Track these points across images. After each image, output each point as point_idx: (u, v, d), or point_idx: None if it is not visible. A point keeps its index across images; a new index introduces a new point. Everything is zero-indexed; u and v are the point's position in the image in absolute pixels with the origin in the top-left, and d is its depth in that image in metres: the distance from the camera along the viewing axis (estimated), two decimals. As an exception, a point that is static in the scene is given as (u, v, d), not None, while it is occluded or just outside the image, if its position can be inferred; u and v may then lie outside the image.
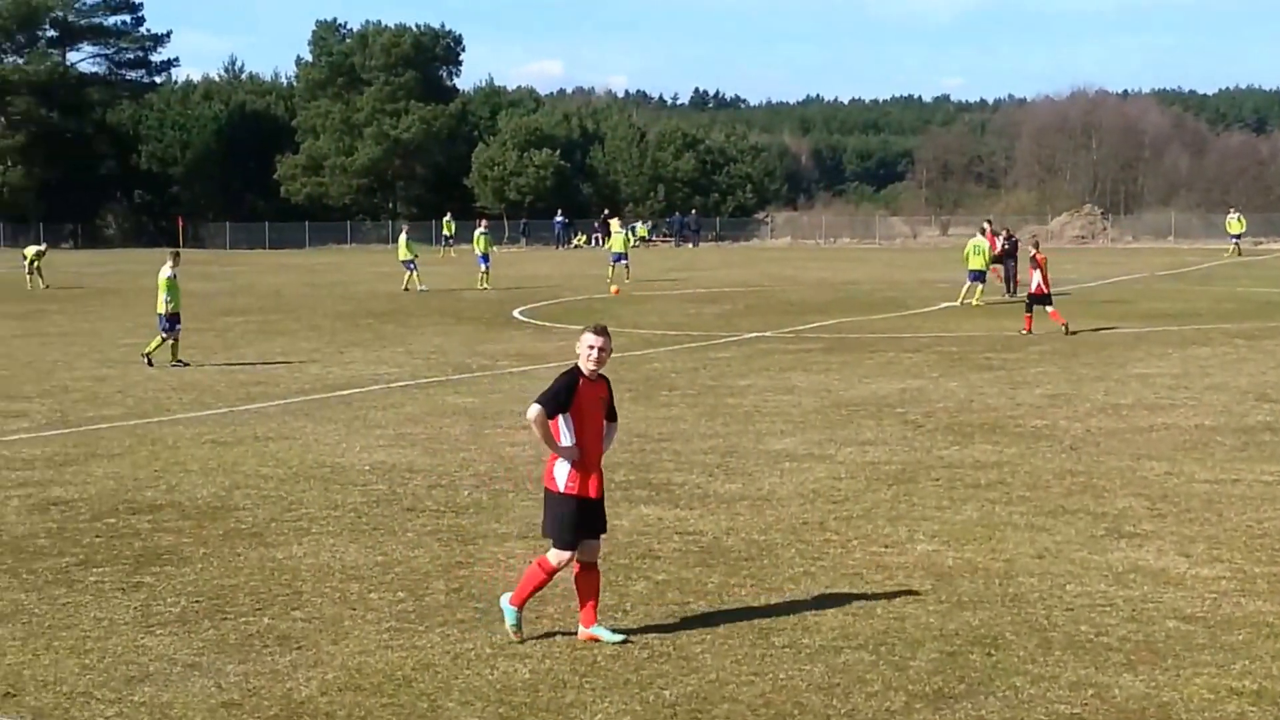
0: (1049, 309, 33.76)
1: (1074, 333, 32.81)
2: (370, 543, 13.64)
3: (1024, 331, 33.40)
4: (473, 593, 11.87)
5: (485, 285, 52.25)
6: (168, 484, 16.61)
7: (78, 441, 19.68)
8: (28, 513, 15.14)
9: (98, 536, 14.04)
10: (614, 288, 51.28)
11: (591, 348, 10.84)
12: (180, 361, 28.44)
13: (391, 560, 12.97)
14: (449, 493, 15.95)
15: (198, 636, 10.79)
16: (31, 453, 18.77)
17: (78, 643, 10.68)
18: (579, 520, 10.51)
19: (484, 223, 59.37)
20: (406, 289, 51.47)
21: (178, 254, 30.82)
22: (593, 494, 10.59)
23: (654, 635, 10.71)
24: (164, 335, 28.55)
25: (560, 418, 10.63)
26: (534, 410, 10.53)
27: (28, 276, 56.63)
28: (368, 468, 17.46)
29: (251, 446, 19.13)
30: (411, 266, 51.90)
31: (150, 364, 28.25)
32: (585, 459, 10.59)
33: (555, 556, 10.59)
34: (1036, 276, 34.07)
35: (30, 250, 58.95)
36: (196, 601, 11.70)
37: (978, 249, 44.00)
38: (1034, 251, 34.74)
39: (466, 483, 16.50)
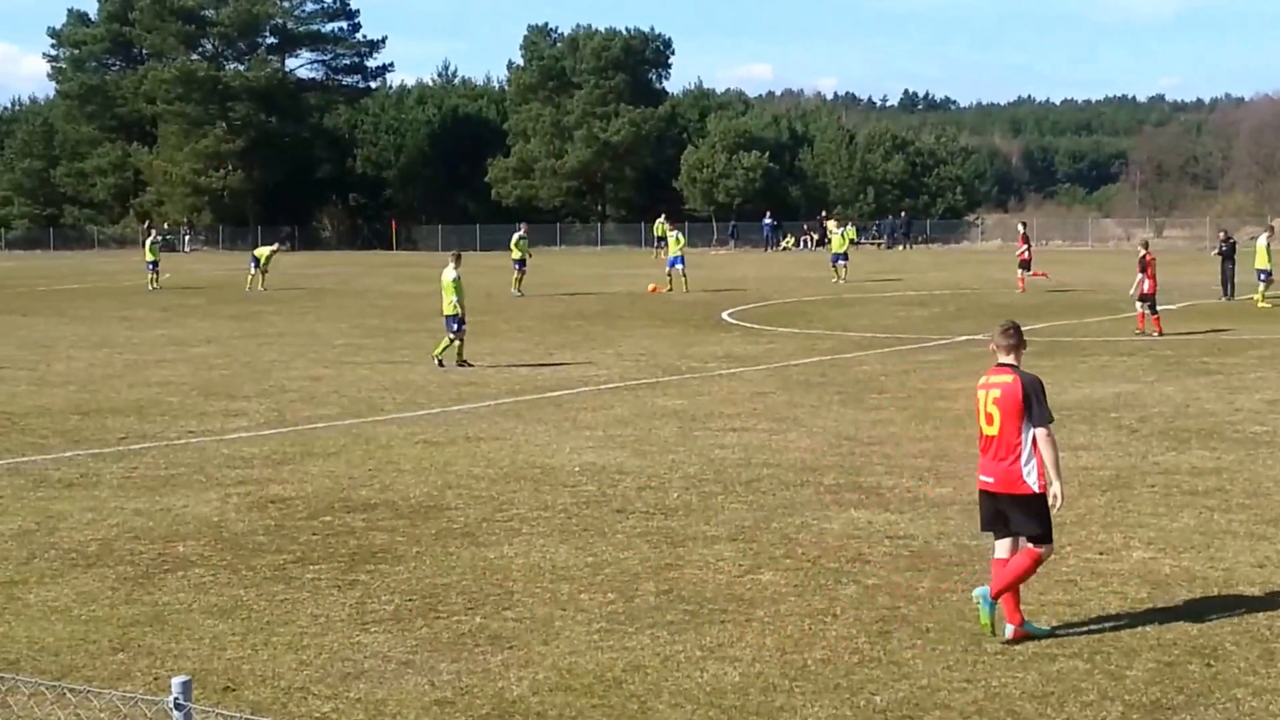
0: (1150, 313, 33.54)
1: (1164, 335, 32.79)
2: (580, 543, 13.70)
3: (1139, 331, 33.45)
4: (682, 595, 11.85)
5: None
6: (381, 483, 16.85)
7: (294, 440, 20.06)
8: (247, 510, 15.46)
9: (314, 534, 14.29)
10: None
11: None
12: (465, 362, 28.62)
13: (601, 561, 13.01)
14: (658, 494, 15.97)
15: (411, 634, 10.92)
16: (250, 451, 19.17)
17: (295, 639, 10.86)
18: None
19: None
20: (517, 291, 50.83)
21: (459, 255, 30.66)
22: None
23: (864, 640, 10.61)
24: (451, 336, 28.80)
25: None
26: (1048, 431, 10.64)
27: (257, 275, 56.97)
28: (577, 469, 17.55)
29: (463, 447, 19.34)
30: (521, 267, 51.62)
31: (440, 365, 28.43)
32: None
33: (1047, 551, 10.79)
34: (1142, 277, 33.62)
35: (264, 250, 59.57)
36: (410, 600, 11.84)
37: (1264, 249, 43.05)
38: (1144, 253, 34.19)
39: (676, 485, 16.50)
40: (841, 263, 56.73)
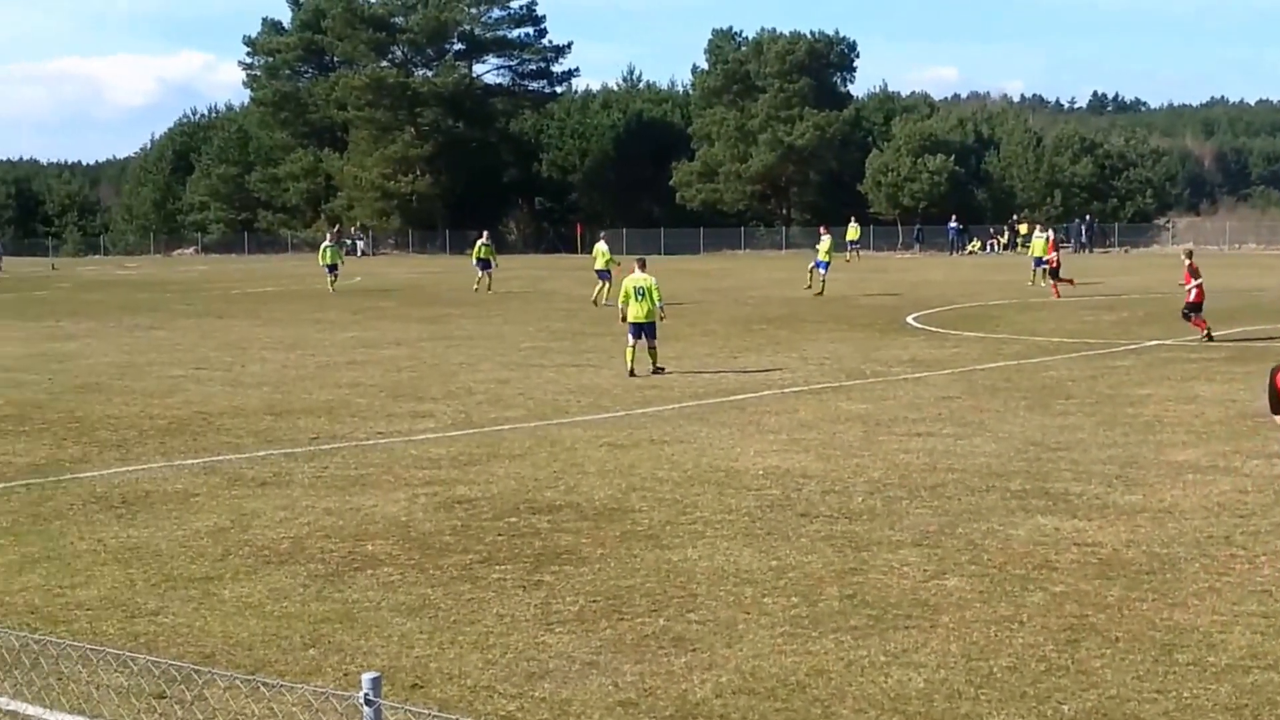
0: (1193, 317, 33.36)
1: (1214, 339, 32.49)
2: (764, 547, 13.69)
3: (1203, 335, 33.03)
4: (866, 599, 11.80)
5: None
6: (566, 485, 16.98)
7: (481, 442, 20.28)
8: (434, 510, 15.67)
9: (500, 535, 14.43)
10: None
11: None
12: (659, 369, 28.25)
13: (785, 565, 12.99)
14: (842, 498, 15.91)
15: (595, 635, 10.99)
16: (438, 452, 19.42)
17: (481, 638, 10.99)
18: None
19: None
20: (595, 303, 48.25)
21: (643, 261, 29.97)
22: None
23: (1051, 648, 10.47)
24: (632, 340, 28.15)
25: None
26: None
27: (484, 277, 56.13)
28: (761, 472, 17.53)
29: (647, 449, 19.41)
30: (606, 277, 48.19)
31: (662, 371, 27.98)
32: None
33: None
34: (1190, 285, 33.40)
35: (481, 248, 58.35)
36: (594, 601, 11.92)
37: None
38: (1188, 261, 33.88)
39: (860, 489, 16.42)
40: (1041, 268, 56.40)
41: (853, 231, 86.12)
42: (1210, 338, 32.68)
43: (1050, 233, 55.45)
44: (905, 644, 10.62)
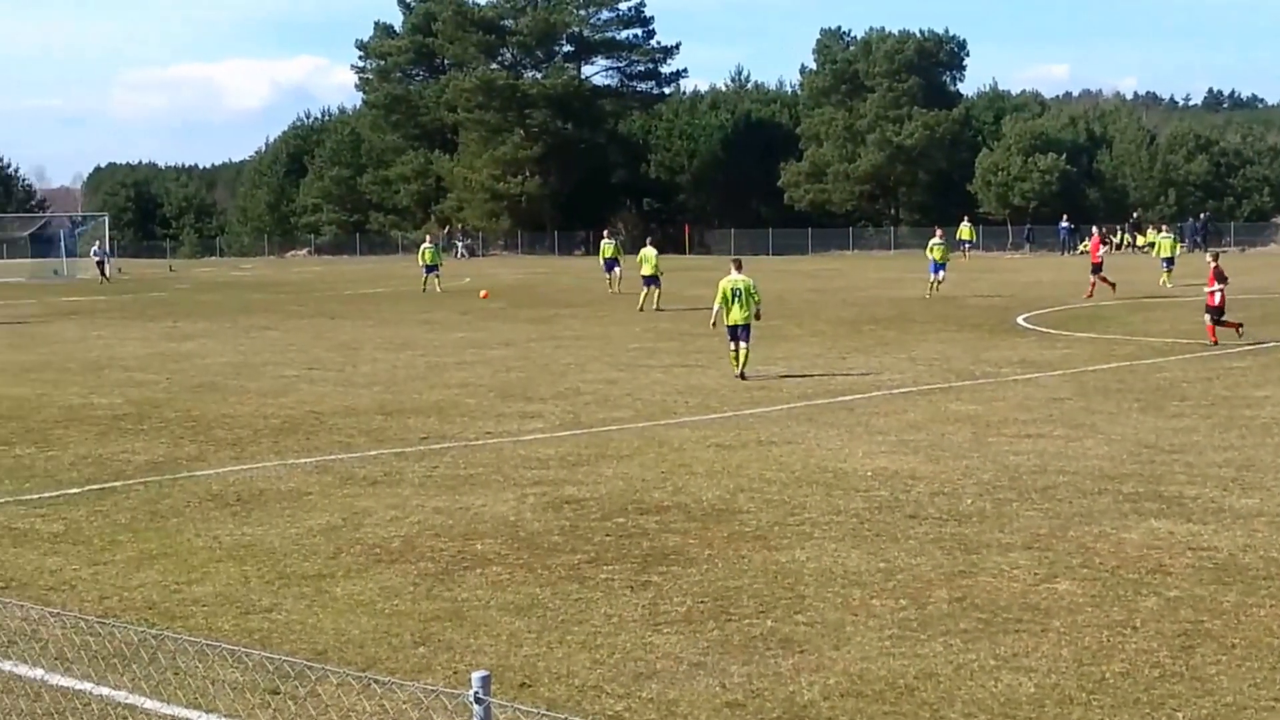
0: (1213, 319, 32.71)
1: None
2: (872, 549, 13.64)
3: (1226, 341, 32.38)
4: (976, 603, 11.73)
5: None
6: (674, 485, 17.00)
7: (589, 442, 20.35)
8: (542, 510, 15.74)
9: (608, 535, 14.48)
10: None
11: None
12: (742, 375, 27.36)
13: (893, 567, 12.94)
14: (951, 500, 15.82)
15: (703, 636, 11.00)
16: (546, 452, 19.51)
17: (589, 638, 11.03)
18: None
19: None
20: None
21: (739, 261, 29.32)
22: None
23: (1165, 654, 10.37)
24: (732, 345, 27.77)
25: None
26: None
27: (613, 278, 55.33)
28: (869, 473, 17.47)
29: (755, 450, 19.40)
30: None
31: (744, 378, 27.17)
32: None
33: None
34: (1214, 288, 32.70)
35: (608, 247, 57.44)
36: (702, 602, 11.93)
37: None
38: (1213, 264, 33.27)
39: (969, 491, 16.33)
40: (1168, 268, 55.91)
41: (965, 231, 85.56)
42: (1216, 341, 32.19)
43: (1097, 230, 53.91)
44: (1015, 648, 10.56)
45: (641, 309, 45.66)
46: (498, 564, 13.33)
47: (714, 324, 28.58)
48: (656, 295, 46.62)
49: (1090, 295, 48.02)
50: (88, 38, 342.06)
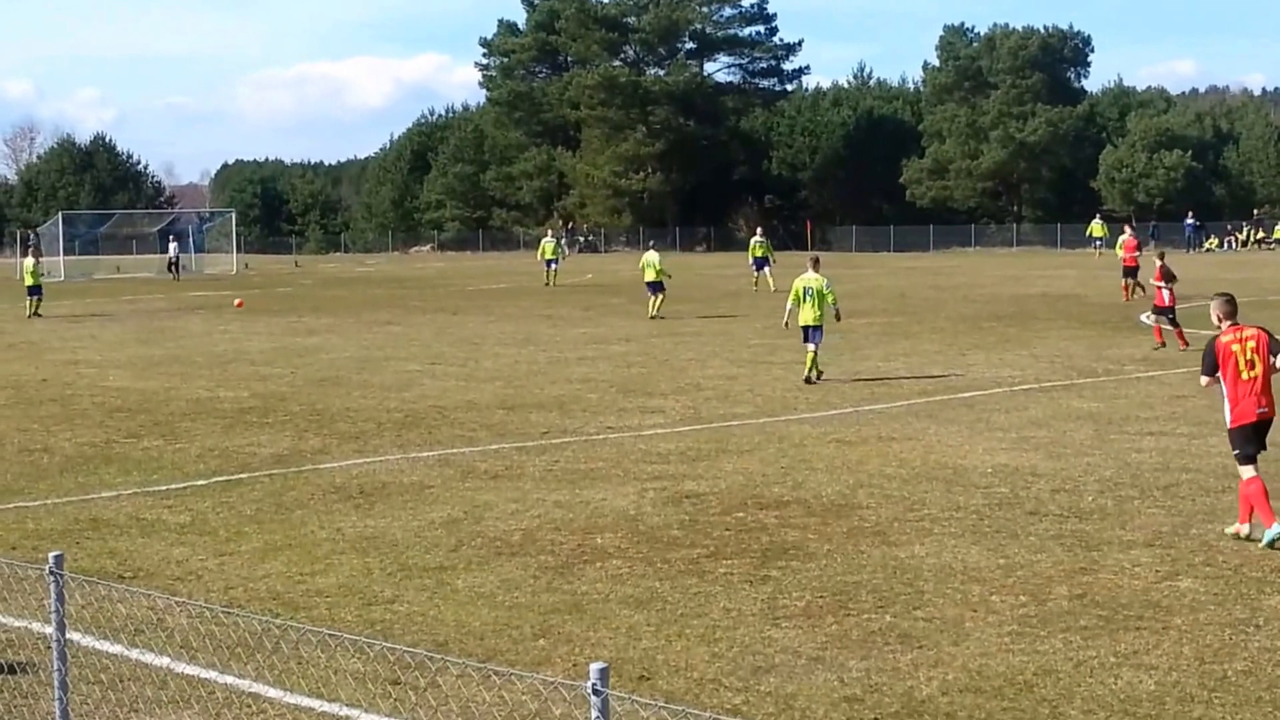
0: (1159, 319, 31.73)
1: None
2: (992, 545, 13.58)
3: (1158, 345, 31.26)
4: (1096, 600, 11.65)
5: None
6: (794, 481, 17.00)
7: (709, 438, 20.38)
8: (663, 504, 15.80)
9: (727, 530, 14.52)
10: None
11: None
12: (810, 378, 26.37)
13: (1013, 564, 12.88)
14: (1072, 497, 15.71)
15: (821, 631, 11.01)
16: (666, 447, 19.57)
17: (707, 631, 11.08)
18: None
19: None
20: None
21: (817, 259, 28.68)
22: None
23: (1289, 653, 10.25)
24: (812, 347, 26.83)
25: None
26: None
27: (763, 276, 54.55)
28: (989, 470, 17.38)
29: (875, 446, 19.35)
30: (657, 289, 43.88)
31: (812, 381, 26.16)
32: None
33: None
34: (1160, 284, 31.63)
35: (757, 244, 57.12)
36: (820, 597, 11.94)
37: None
38: (1159, 262, 32.57)
39: (1090, 488, 16.20)
40: None
41: (1097, 228, 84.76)
42: (1162, 346, 31.03)
43: (1128, 232, 49.62)
44: (1136, 645, 10.48)
45: (653, 317, 42.61)
46: (617, 558, 13.40)
47: (785, 324, 27.80)
48: (660, 301, 43.51)
49: (1128, 299, 45.24)
50: (217, 37, 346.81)
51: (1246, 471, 13.53)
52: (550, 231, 71.66)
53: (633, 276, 69.91)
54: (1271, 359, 13.66)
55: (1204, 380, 14.39)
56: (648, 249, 47.37)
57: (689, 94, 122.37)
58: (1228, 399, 13.91)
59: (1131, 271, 46.21)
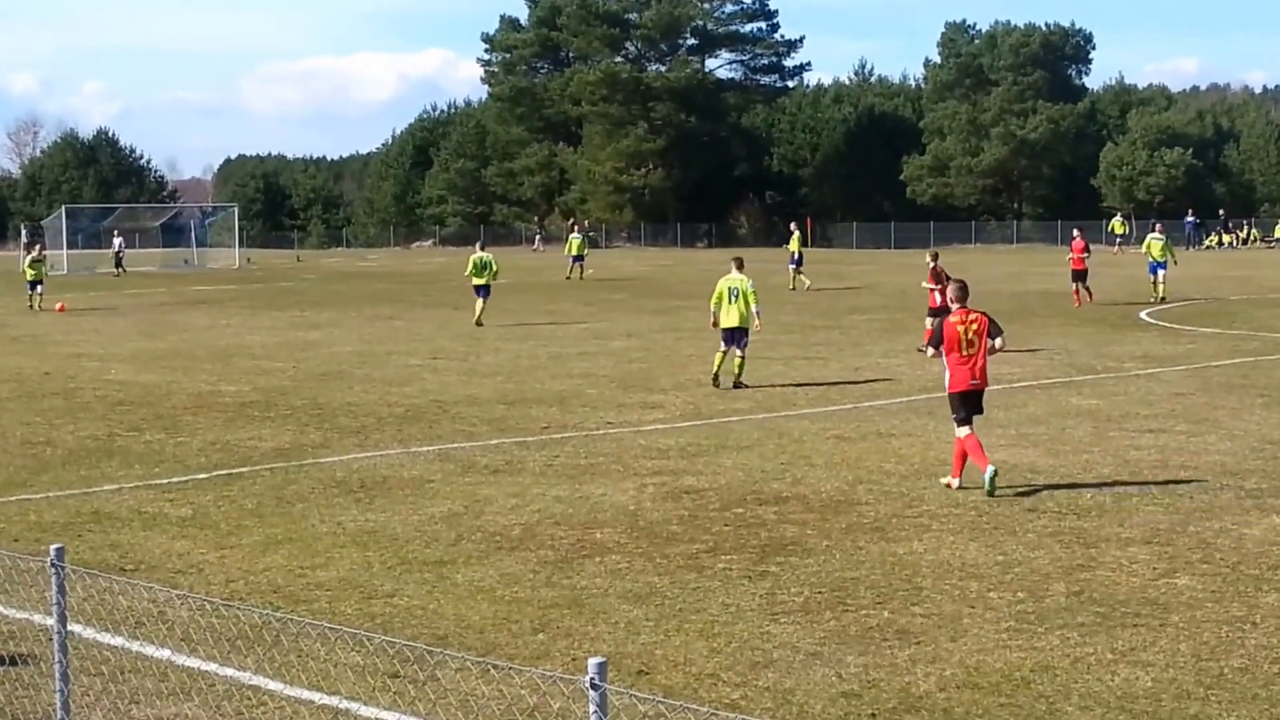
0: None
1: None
2: (990, 541, 13.63)
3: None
4: (1094, 596, 11.70)
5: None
6: (793, 476, 17.04)
7: (709, 433, 20.43)
8: (662, 500, 15.85)
9: (726, 525, 14.56)
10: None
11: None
12: (740, 384, 25.38)
13: (1011, 560, 12.92)
14: (1071, 494, 15.75)
15: (820, 627, 11.06)
16: (666, 443, 19.61)
17: (706, 626, 11.12)
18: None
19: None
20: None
21: (740, 260, 27.81)
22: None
23: (1285, 650, 10.30)
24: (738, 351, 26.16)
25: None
26: (1004, 339, 16.66)
27: (796, 275, 54.76)
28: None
29: (874, 442, 19.39)
30: (579, 260, 46.13)
31: (743, 387, 25.42)
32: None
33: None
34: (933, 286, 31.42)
35: (796, 243, 57.26)
36: (819, 592, 11.99)
37: None
38: (932, 264, 32.85)
39: (1089, 484, 16.25)
40: None
41: (1118, 225, 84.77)
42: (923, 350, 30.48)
43: (1077, 233, 46.34)
44: (1133, 642, 10.53)
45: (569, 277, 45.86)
46: (617, 552, 13.45)
47: (713, 324, 26.10)
48: (579, 270, 47.15)
49: (1078, 304, 43.24)
50: (222, 31, 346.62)
51: (962, 432, 16.03)
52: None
53: (635, 271, 70.05)
54: (991, 341, 16.24)
55: (929, 352, 17.70)
56: (573, 230, 48.46)
57: (690, 90, 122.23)
58: (949, 370, 16.36)
59: (1080, 275, 44.16)
